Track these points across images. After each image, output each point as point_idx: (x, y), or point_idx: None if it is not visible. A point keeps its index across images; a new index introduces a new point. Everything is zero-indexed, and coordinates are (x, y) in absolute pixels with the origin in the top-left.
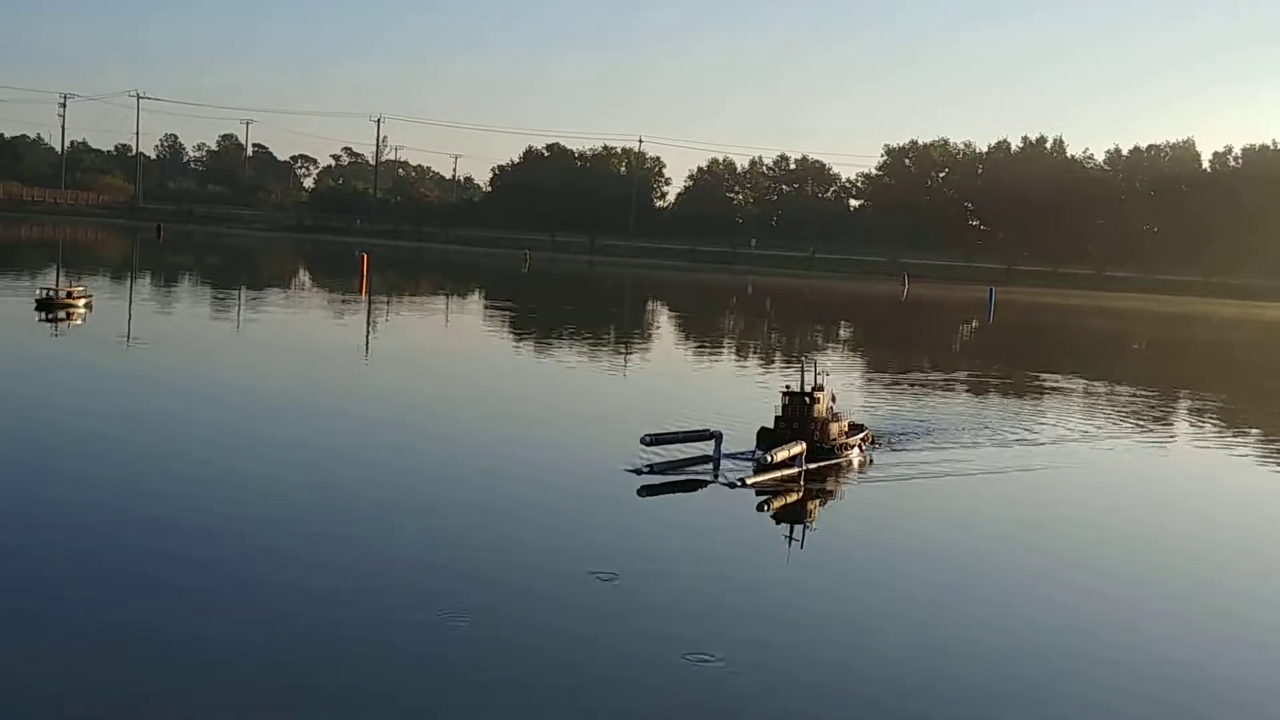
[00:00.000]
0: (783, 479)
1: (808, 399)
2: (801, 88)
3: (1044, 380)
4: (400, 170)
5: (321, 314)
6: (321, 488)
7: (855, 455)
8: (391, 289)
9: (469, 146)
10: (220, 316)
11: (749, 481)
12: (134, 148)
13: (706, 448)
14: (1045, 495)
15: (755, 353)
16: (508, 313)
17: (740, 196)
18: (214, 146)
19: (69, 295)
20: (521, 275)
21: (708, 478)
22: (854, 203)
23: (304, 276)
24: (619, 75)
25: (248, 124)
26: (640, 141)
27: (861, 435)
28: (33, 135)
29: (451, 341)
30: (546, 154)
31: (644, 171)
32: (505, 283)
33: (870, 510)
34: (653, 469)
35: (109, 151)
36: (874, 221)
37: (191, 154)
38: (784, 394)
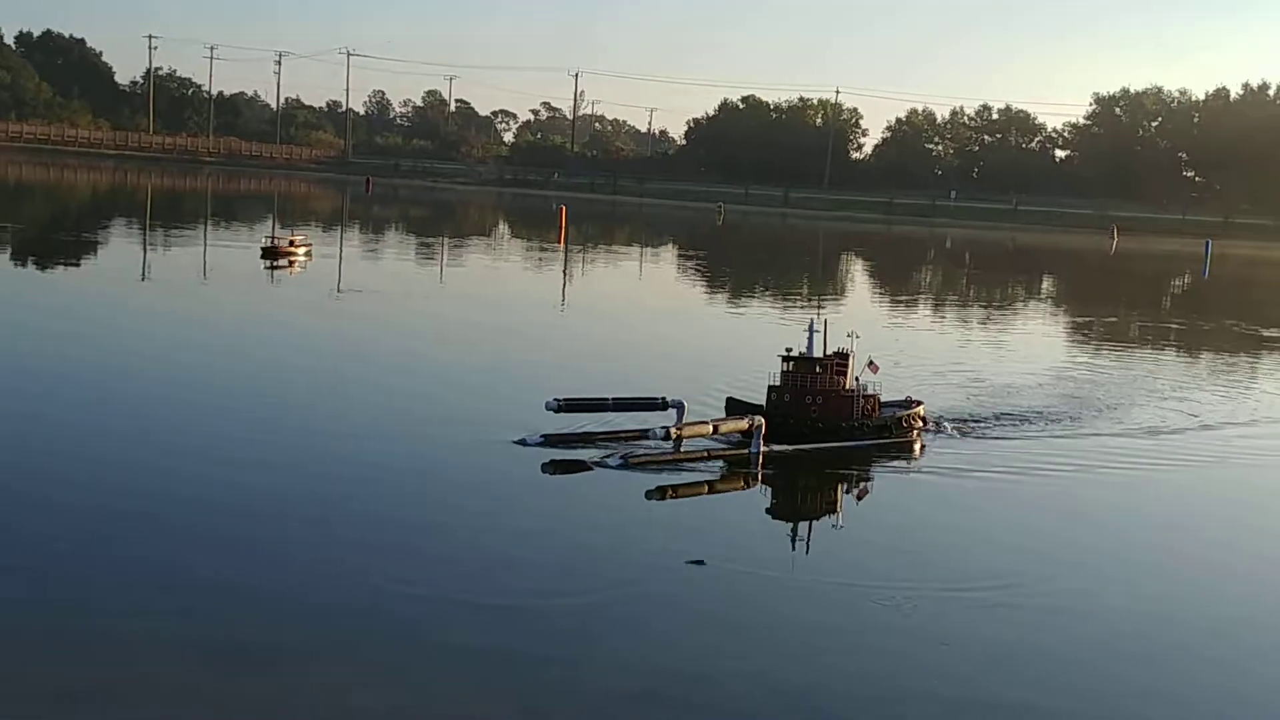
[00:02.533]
0: (716, 456)
1: (818, 367)
2: (1006, 36)
3: (1263, 341)
4: (597, 124)
5: (521, 264)
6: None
7: (915, 438)
8: (588, 241)
9: (664, 100)
10: (425, 266)
11: (632, 459)
12: (344, 104)
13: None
14: (1097, 509)
15: (950, 307)
16: (700, 265)
17: (940, 148)
18: (419, 102)
19: (291, 244)
20: (714, 228)
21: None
22: (1059, 153)
23: (504, 228)
24: (817, 25)
25: (451, 80)
26: (837, 93)
27: (904, 415)
28: (250, 93)
29: (644, 293)
30: (741, 106)
31: (840, 123)
32: (698, 235)
33: (743, 515)
34: (547, 441)
35: (320, 108)
36: (1080, 172)
37: (398, 110)
38: (784, 358)
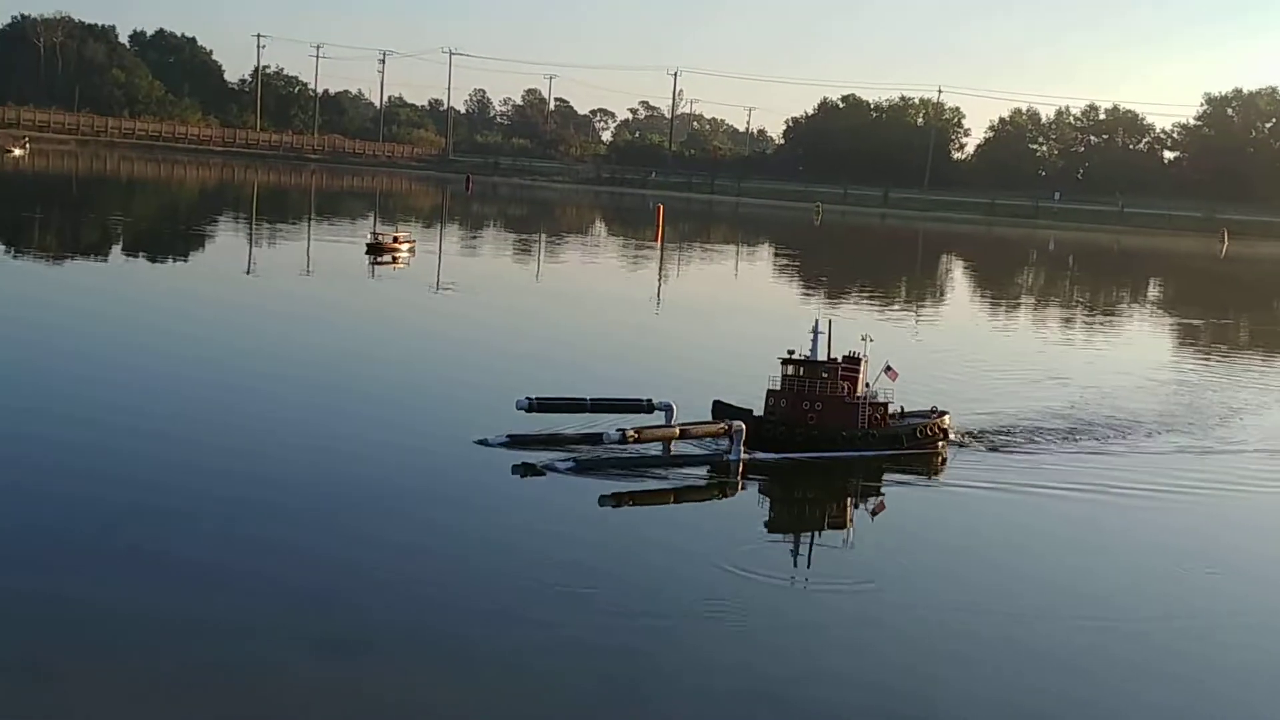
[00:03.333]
0: (683, 462)
1: (824, 371)
2: (1113, 34)
3: None
4: (694, 123)
5: (617, 263)
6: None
7: (940, 451)
8: (684, 240)
9: (763, 99)
10: (522, 264)
11: (586, 463)
12: (445, 103)
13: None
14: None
15: (1049, 311)
16: (796, 265)
17: (1044, 148)
18: (519, 101)
19: (394, 240)
20: (812, 228)
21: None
22: (1168, 154)
23: (601, 227)
24: (919, 24)
25: (550, 79)
26: (939, 92)
27: (920, 425)
28: (354, 91)
29: (738, 292)
30: (841, 105)
31: (942, 123)
32: (795, 235)
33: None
34: (514, 441)
35: (422, 106)
36: (1189, 174)
37: (498, 108)
38: (785, 362)
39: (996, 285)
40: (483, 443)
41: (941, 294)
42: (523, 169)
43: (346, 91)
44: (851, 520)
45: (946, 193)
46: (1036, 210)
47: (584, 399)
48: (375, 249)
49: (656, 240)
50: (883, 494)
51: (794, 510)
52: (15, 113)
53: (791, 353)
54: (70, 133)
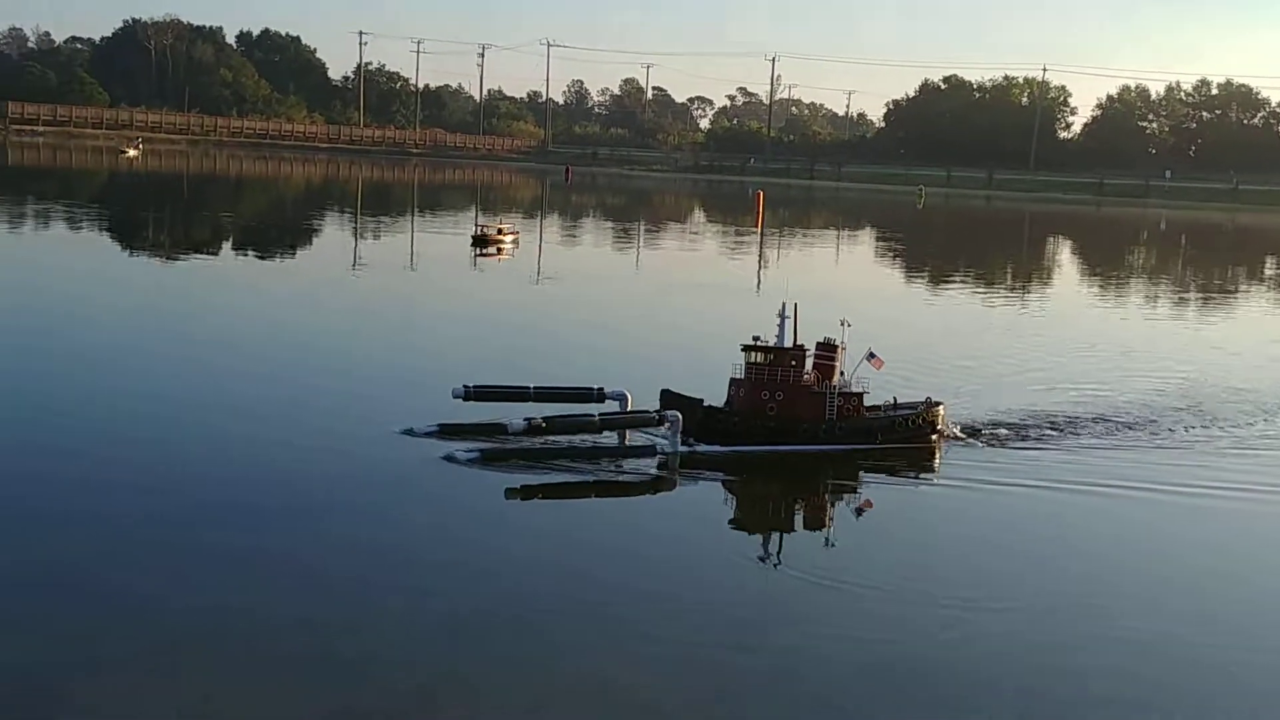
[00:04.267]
0: (605, 454)
1: (792, 359)
2: (1225, 6)
3: None
4: (793, 108)
5: (716, 250)
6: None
7: (933, 444)
8: (784, 225)
9: (862, 82)
10: (622, 253)
11: (490, 454)
12: (544, 94)
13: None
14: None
15: (1163, 293)
16: (898, 249)
17: (1154, 125)
18: (616, 91)
19: (499, 232)
20: (914, 212)
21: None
22: None
23: (700, 215)
24: (1022, 2)
25: (648, 68)
26: (1044, 70)
27: (900, 418)
28: (454, 85)
29: (839, 277)
30: (943, 86)
31: (1047, 102)
32: (897, 219)
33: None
34: (442, 430)
35: (521, 99)
36: None
37: (596, 99)
38: (747, 348)
39: (1103, 266)
40: (409, 433)
41: (1048, 276)
42: (621, 159)
43: (447, 86)
44: (793, 520)
45: (1053, 173)
46: (1147, 189)
47: (526, 387)
48: (480, 241)
49: (756, 227)
50: (856, 492)
51: (702, 508)
52: (128, 114)
53: (757, 339)
54: (181, 133)
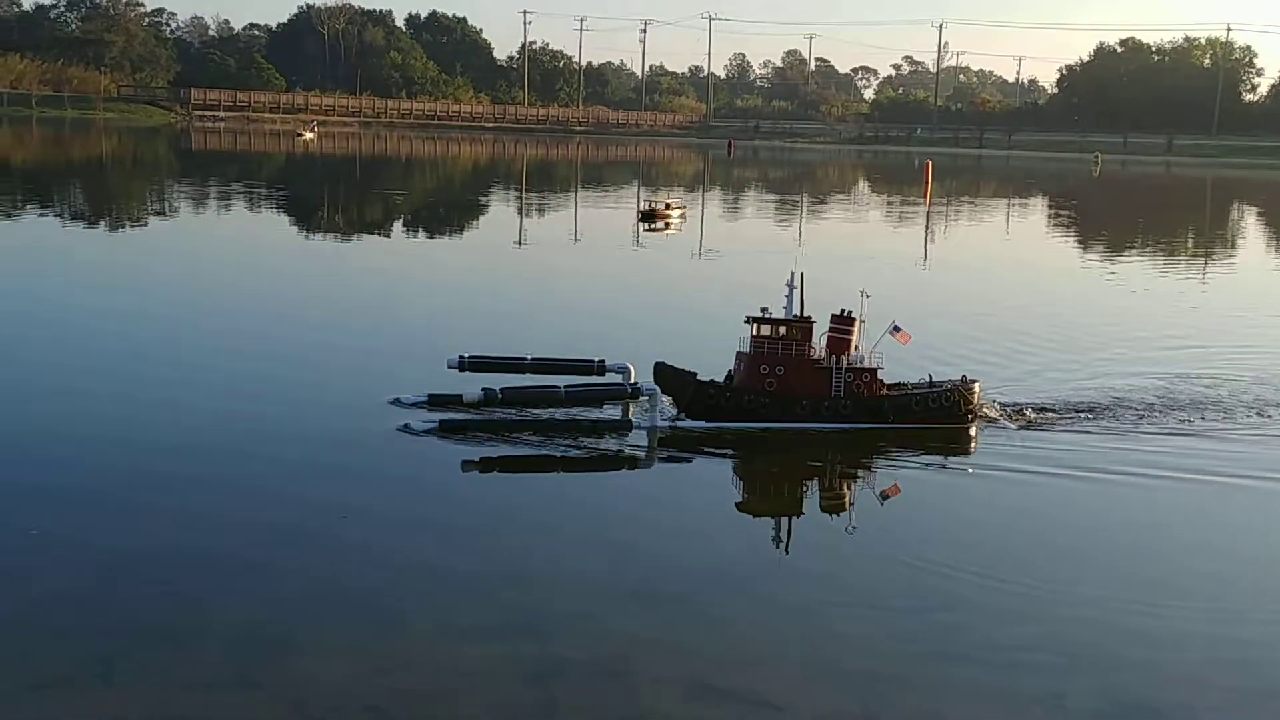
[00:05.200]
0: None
1: (795, 331)
2: None
3: None
4: (961, 76)
5: (881, 221)
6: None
7: (969, 425)
8: (953, 196)
9: (1033, 47)
10: (784, 227)
11: (449, 425)
12: (705, 69)
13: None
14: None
15: None
16: (1072, 218)
17: None
18: (779, 63)
19: (666, 207)
20: (1089, 179)
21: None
22: None
23: (864, 186)
24: None
25: (811, 39)
26: (1228, 30)
27: (919, 396)
28: (616, 62)
29: (1008, 248)
30: (1119, 50)
31: (1231, 63)
32: (1071, 187)
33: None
34: (431, 401)
35: (683, 74)
36: None
37: (757, 71)
38: (750, 320)
39: None
40: (396, 402)
41: (1231, 246)
42: (783, 131)
43: (609, 63)
44: (757, 502)
45: (1238, 137)
46: None
47: (523, 358)
48: (649, 216)
49: (925, 198)
50: (843, 475)
51: (664, 486)
52: (304, 98)
53: (765, 310)
54: (353, 115)
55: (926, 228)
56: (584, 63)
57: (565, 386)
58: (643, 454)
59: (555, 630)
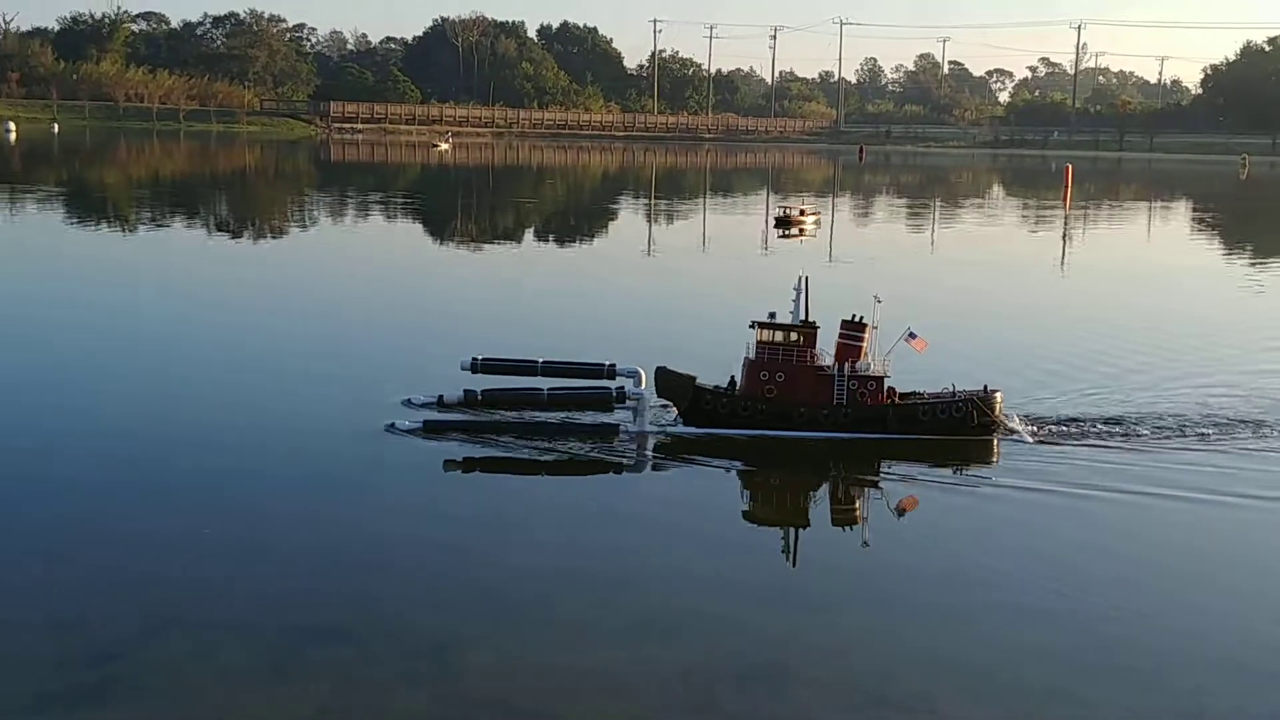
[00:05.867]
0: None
1: (797, 337)
2: None
3: None
4: (1100, 78)
5: (1017, 227)
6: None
7: (990, 437)
8: (1092, 200)
9: (1176, 47)
10: (916, 233)
11: (433, 425)
12: (836, 74)
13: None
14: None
15: None
16: (1217, 223)
17: None
18: (911, 67)
19: (800, 213)
20: (1236, 183)
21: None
22: None
23: (999, 191)
24: None
25: (944, 42)
26: None
27: (928, 405)
28: (745, 69)
29: (1149, 254)
30: (1267, 49)
31: None
32: (1216, 192)
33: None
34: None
35: (812, 79)
36: None
37: (889, 76)
38: (757, 325)
39: None
40: (407, 403)
41: None
42: (915, 136)
43: (739, 69)
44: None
45: None
46: None
47: (534, 361)
48: (783, 222)
49: (1063, 202)
50: (837, 487)
51: (644, 494)
52: (438, 110)
53: (772, 315)
54: (486, 126)
55: (1064, 233)
56: (713, 70)
57: (549, 390)
58: (635, 457)
59: (700, 633)
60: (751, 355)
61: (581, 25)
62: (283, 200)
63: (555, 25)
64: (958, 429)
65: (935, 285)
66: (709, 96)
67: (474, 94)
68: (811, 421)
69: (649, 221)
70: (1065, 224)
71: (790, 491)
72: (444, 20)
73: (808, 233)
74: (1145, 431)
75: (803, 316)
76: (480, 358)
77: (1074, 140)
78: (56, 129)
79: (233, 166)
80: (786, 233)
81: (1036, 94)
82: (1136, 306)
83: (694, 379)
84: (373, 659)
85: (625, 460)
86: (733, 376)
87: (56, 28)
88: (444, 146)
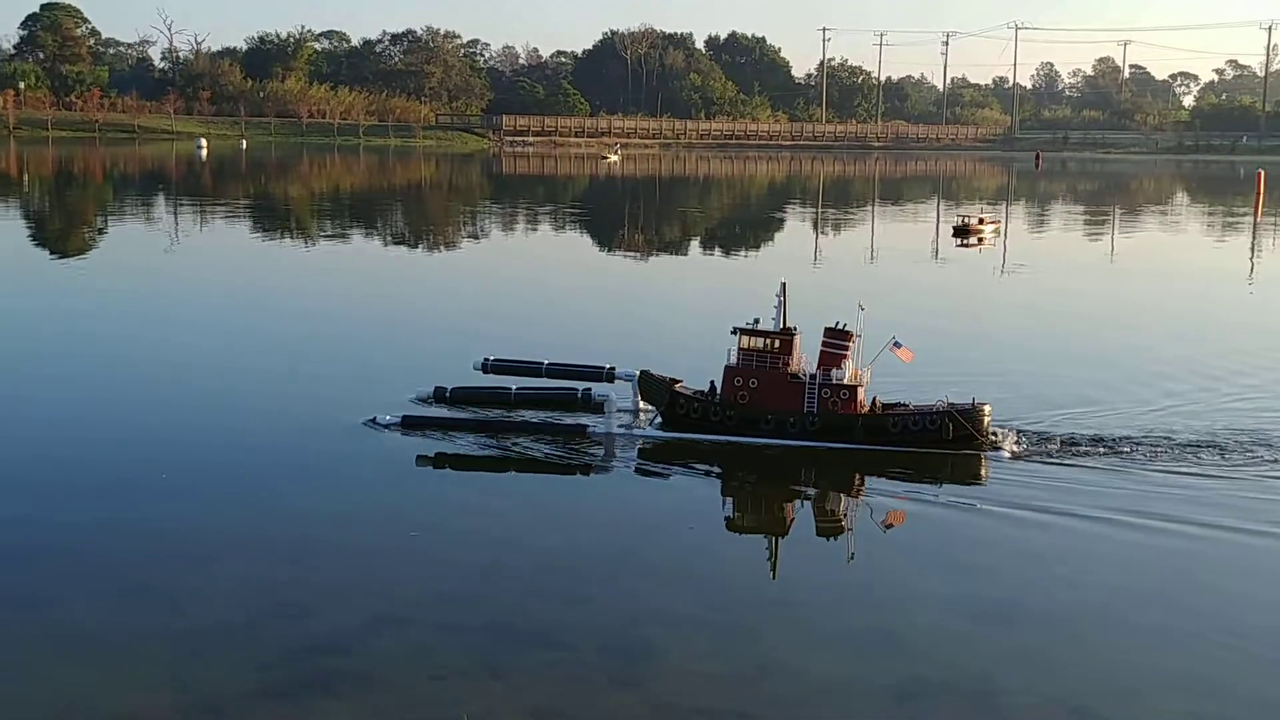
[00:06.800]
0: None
1: (774, 344)
2: None
3: None
4: None
5: (1203, 237)
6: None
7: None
8: None
9: None
10: (1094, 241)
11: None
12: (1010, 79)
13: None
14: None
15: None
16: None
17: None
18: (1089, 71)
19: (979, 222)
20: None
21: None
22: None
23: (1183, 199)
24: None
25: (1125, 44)
26: None
27: (891, 419)
28: (916, 76)
29: None
30: None
31: None
32: None
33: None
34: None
35: (986, 85)
36: None
37: (1066, 80)
38: (739, 331)
39: None
40: (418, 399)
41: None
42: (1094, 142)
43: (909, 77)
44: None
45: None
46: None
47: (540, 363)
48: (961, 231)
49: (1254, 211)
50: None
51: (598, 496)
52: (607, 122)
53: (756, 321)
54: (653, 137)
55: (1253, 243)
56: (883, 77)
57: (515, 390)
58: (602, 459)
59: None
60: (732, 361)
61: (750, 35)
62: (454, 211)
63: (723, 36)
64: (930, 442)
65: (1109, 299)
66: (878, 104)
67: (642, 105)
68: (779, 428)
69: (815, 230)
70: (1255, 234)
71: (755, 499)
72: (613, 33)
73: (987, 242)
74: (1142, 458)
75: (783, 324)
76: (491, 358)
77: (1264, 145)
78: (244, 145)
79: (408, 180)
80: (965, 242)
81: (1224, 97)
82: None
83: (673, 383)
84: (581, 663)
85: (589, 460)
86: (712, 382)
87: (245, 48)
88: (613, 158)
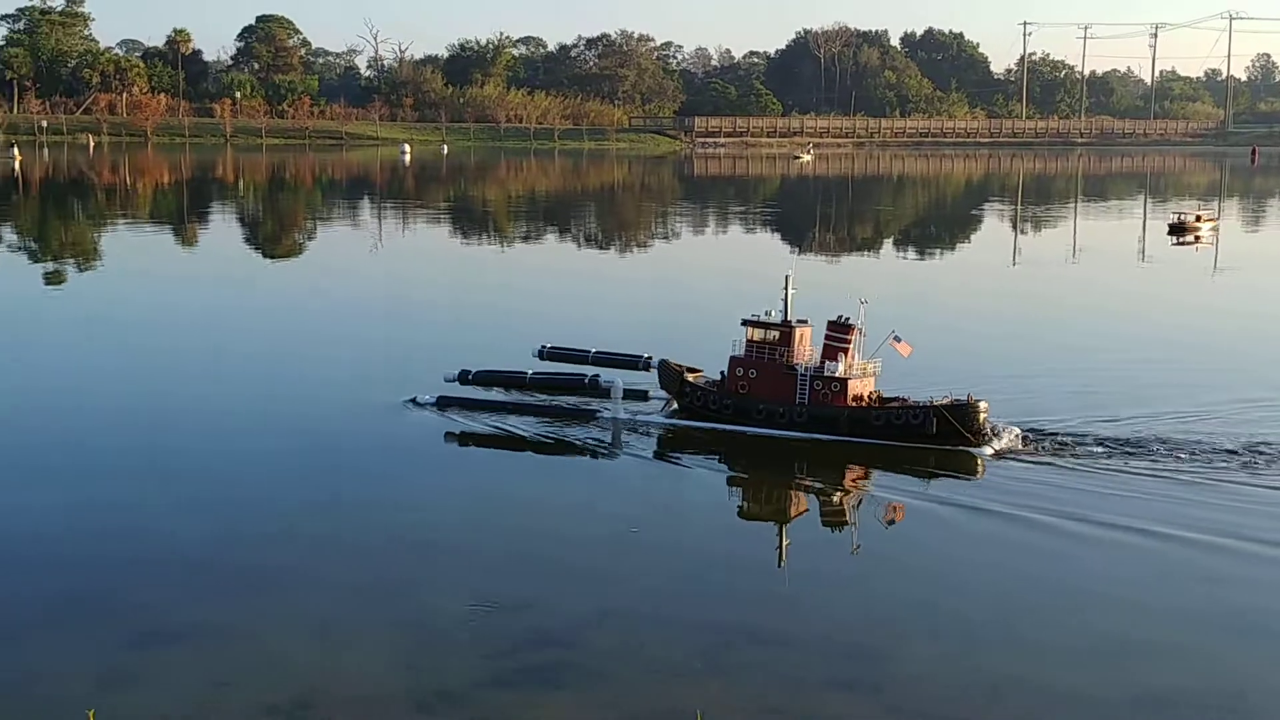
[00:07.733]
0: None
1: (775, 335)
2: None
3: None
4: None
5: None
6: None
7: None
8: None
9: None
10: None
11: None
12: (1223, 72)
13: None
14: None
15: None
16: None
17: None
18: None
19: (1197, 219)
20: None
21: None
22: None
23: None
24: None
25: None
26: None
27: (877, 412)
28: (1122, 69)
29: None
30: None
31: None
32: None
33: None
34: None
35: (1197, 78)
36: None
37: None
38: (748, 323)
39: None
40: (454, 379)
41: None
42: None
43: (1115, 70)
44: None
45: None
46: None
47: (587, 350)
48: (1178, 229)
49: None
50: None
51: (596, 479)
52: (799, 122)
53: (767, 313)
54: (846, 136)
55: None
56: (1086, 72)
57: (531, 373)
58: (610, 444)
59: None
60: (738, 353)
61: (947, 31)
62: (647, 212)
63: (919, 32)
64: (915, 437)
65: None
66: (1082, 99)
67: (834, 105)
68: (769, 419)
69: (1015, 229)
70: None
71: (748, 488)
72: (806, 33)
73: (1204, 240)
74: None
75: (787, 316)
76: (548, 345)
77: None
78: (445, 150)
79: (601, 182)
80: (1181, 240)
81: None
82: None
83: (684, 371)
84: (803, 663)
85: (599, 444)
86: (722, 372)
87: (446, 55)
88: (805, 158)
